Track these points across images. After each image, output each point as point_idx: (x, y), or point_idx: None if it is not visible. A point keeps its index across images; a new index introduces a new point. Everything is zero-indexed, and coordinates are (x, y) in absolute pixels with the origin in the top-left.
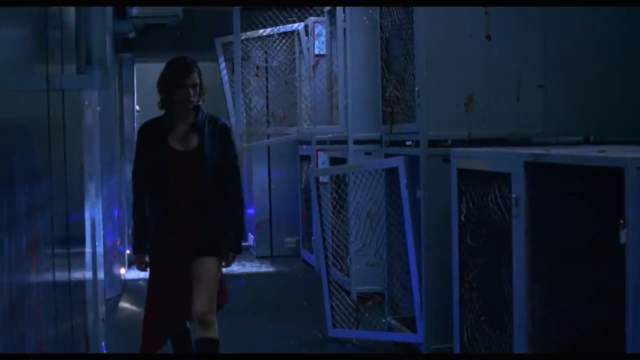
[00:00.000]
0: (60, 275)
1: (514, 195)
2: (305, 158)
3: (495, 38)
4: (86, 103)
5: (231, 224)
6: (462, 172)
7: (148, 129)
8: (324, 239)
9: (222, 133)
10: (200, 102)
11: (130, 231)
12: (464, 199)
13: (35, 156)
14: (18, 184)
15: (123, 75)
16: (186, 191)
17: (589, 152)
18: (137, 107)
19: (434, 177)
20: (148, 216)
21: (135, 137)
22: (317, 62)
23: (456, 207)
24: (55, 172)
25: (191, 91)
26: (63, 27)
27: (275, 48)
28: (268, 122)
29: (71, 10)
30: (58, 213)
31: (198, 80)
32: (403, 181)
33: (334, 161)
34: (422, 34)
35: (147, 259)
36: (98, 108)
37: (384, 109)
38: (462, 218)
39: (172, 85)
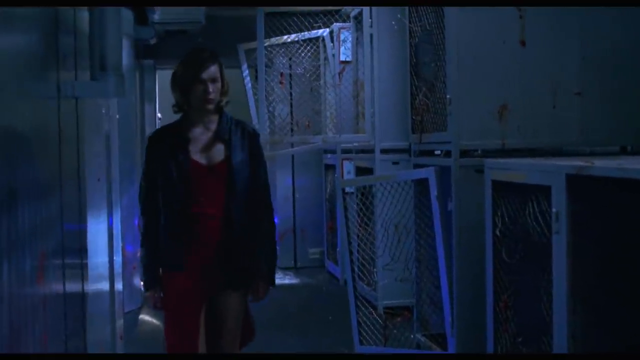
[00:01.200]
0: (72, 288)
1: (554, 210)
2: (330, 167)
3: (530, 43)
4: (104, 111)
5: (263, 252)
6: (496, 184)
7: (160, 137)
8: (351, 253)
9: (252, 142)
10: (223, 103)
11: (139, 261)
12: (498, 213)
13: (45, 168)
14: (23, 198)
15: (144, 82)
16: (211, 216)
17: (635, 164)
18: (159, 115)
19: (466, 189)
20: (162, 246)
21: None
22: (343, 69)
23: (490, 220)
24: (68, 184)
25: (210, 87)
26: (76, 32)
27: (300, 55)
28: (292, 130)
29: (84, 14)
30: (70, 225)
31: (219, 75)
32: (434, 193)
33: (359, 170)
34: (453, 40)
35: (161, 294)
36: (117, 116)
37: (413, 117)
38: (497, 232)
39: (187, 80)
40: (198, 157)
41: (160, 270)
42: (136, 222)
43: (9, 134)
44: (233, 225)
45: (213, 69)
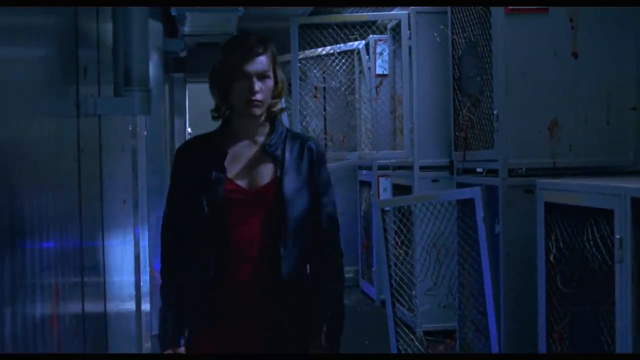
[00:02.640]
0: (93, 307)
1: (617, 236)
2: (365, 183)
3: (582, 55)
4: (130, 127)
5: (326, 309)
6: (549, 206)
7: (190, 150)
8: (391, 276)
9: (313, 161)
10: (277, 108)
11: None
12: (552, 237)
13: (62, 192)
14: (36, 224)
15: (174, 96)
16: (252, 258)
17: None
18: (189, 130)
19: (514, 210)
20: (186, 296)
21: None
22: (380, 83)
23: (543, 246)
24: (88, 207)
25: (257, 85)
26: (99, 45)
27: (334, 68)
28: (326, 145)
29: (108, 26)
30: (91, 246)
31: (270, 68)
32: (480, 214)
33: (396, 188)
34: (500, 52)
35: (183, 350)
36: (145, 132)
37: (457, 133)
38: (551, 259)
39: (226, 75)
40: (238, 177)
41: (185, 328)
42: (157, 266)
43: (21, 155)
44: (280, 278)
45: (262, 61)
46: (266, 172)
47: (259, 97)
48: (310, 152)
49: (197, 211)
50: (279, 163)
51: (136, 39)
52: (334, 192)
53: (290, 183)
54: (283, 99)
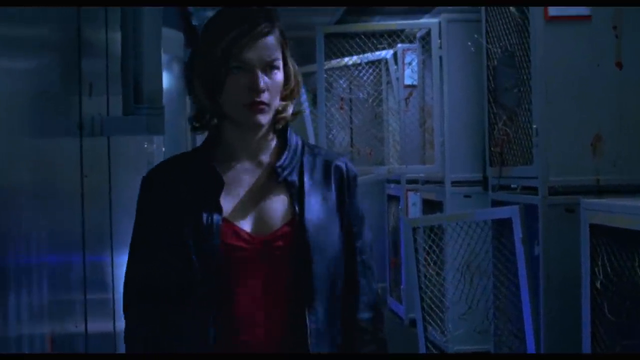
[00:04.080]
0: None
1: None
2: (393, 198)
3: (627, 65)
4: (145, 145)
5: None
6: (595, 228)
7: (168, 180)
8: (422, 299)
9: (343, 187)
10: (288, 113)
11: None
12: (599, 262)
13: (62, 222)
14: (31, 259)
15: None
16: (263, 334)
17: None
18: None
19: (555, 231)
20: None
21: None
22: (410, 94)
23: (588, 271)
24: (93, 237)
25: (262, 81)
26: (108, 56)
27: (361, 78)
28: (352, 159)
29: (117, 35)
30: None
31: (279, 55)
32: (518, 235)
33: (426, 203)
34: (540, 62)
35: None
36: (163, 149)
37: (492, 148)
38: (597, 285)
39: (215, 66)
40: (239, 218)
41: None
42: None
43: (17, 183)
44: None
45: (268, 44)
46: (279, 208)
47: (265, 97)
48: (339, 174)
49: (180, 270)
50: (296, 193)
51: (147, 52)
52: (368, 226)
53: (314, 222)
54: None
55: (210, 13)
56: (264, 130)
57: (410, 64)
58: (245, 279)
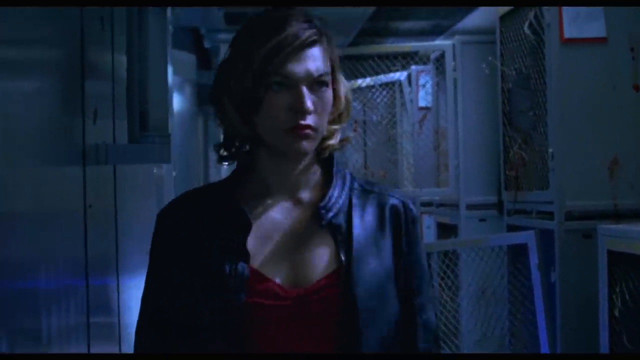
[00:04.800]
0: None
1: None
2: None
3: None
4: (155, 170)
5: None
6: (613, 255)
7: (187, 218)
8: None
9: (401, 233)
10: (335, 141)
11: None
12: (617, 289)
13: (64, 255)
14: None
15: (209, 128)
16: None
17: None
18: (225, 163)
19: (572, 257)
20: None
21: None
22: (424, 116)
23: (606, 298)
24: (97, 269)
25: (308, 100)
26: (115, 79)
27: (375, 100)
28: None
29: (122, 58)
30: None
31: (328, 69)
32: (534, 261)
33: (441, 227)
34: (555, 85)
35: None
36: (173, 173)
37: (507, 172)
38: (616, 313)
39: (250, 82)
40: (270, 268)
41: None
42: None
43: (17, 212)
44: None
45: (316, 55)
46: (321, 257)
47: (311, 120)
48: (396, 216)
49: (196, 325)
50: (343, 239)
51: (153, 80)
52: (429, 279)
53: (365, 274)
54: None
55: (223, 35)
56: (306, 160)
57: (424, 86)
58: (274, 342)
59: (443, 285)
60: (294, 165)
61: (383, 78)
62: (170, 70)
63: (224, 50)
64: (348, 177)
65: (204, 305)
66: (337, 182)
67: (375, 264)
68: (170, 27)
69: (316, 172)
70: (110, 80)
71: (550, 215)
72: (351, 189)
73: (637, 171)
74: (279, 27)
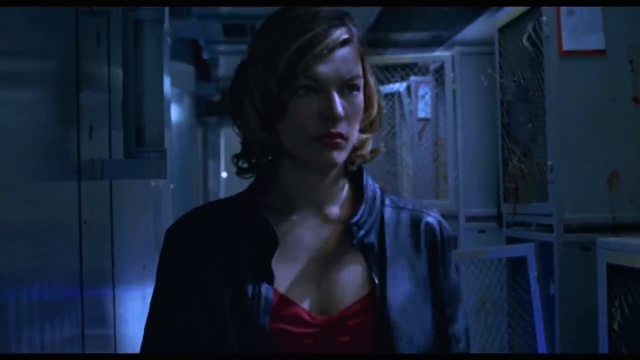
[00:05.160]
0: None
1: None
2: None
3: None
4: (152, 183)
5: None
6: (612, 268)
7: (198, 236)
8: None
9: (437, 252)
10: (365, 151)
11: None
12: (616, 303)
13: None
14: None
15: (207, 138)
16: None
17: None
18: (223, 174)
19: (571, 270)
20: None
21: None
22: (423, 127)
23: (605, 312)
24: (92, 285)
25: (338, 105)
26: (111, 95)
27: None
28: None
29: (119, 71)
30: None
31: (360, 72)
32: (533, 274)
33: None
34: (554, 97)
35: None
36: (171, 185)
37: (507, 184)
38: (615, 327)
39: (274, 85)
40: (297, 292)
41: None
42: None
43: (8, 231)
44: None
45: (347, 56)
46: (352, 280)
47: (342, 128)
48: (432, 235)
49: (213, 351)
50: (375, 260)
51: (149, 95)
52: (463, 305)
53: (400, 299)
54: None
55: (221, 47)
56: (334, 172)
57: (423, 97)
58: None
59: None
60: (321, 177)
61: (382, 89)
62: (168, 81)
63: (222, 62)
64: (378, 192)
65: (221, 331)
66: (367, 197)
67: (410, 287)
68: (168, 39)
69: (344, 186)
70: (107, 94)
71: (549, 228)
72: (382, 205)
73: (637, 184)
74: (307, 25)
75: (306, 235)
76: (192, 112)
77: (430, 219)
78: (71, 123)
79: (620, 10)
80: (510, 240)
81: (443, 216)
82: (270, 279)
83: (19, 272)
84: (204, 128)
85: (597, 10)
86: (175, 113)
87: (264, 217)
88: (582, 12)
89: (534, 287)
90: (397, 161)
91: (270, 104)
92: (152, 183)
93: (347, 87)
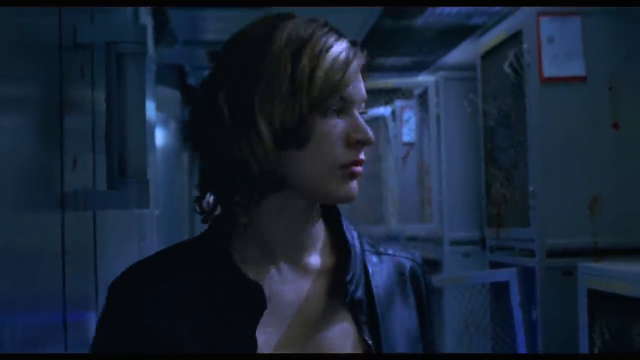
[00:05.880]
0: None
1: None
2: None
3: (624, 126)
4: (137, 211)
5: None
6: (594, 294)
7: (158, 298)
8: None
9: (422, 300)
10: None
11: None
12: (596, 329)
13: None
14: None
15: (194, 163)
16: None
17: None
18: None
19: (553, 295)
20: None
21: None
22: (407, 153)
23: (586, 337)
24: (74, 314)
25: (367, 129)
26: (94, 126)
27: None
28: (352, 216)
29: (102, 94)
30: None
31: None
32: (515, 299)
33: (426, 263)
34: (536, 123)
35: None
36: (156, 211)
37: (490, 209)
38: (596, 352)
39: (306, 103)
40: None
41: None
42: None
43: None
44: None
45: (361, 71)
46: (342, 342)
47: (363, 155)
48: (418, 284)
49: None
50: (365, 318)
51: (131, 126)
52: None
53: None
54: None
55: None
56: (314, 212)
57: (407, 121)
58: None
59: None
60: (305, 219)
61: (368, 113)
62: (153, 107)
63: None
64: (356, 235)
65: None
66: (353, 245)
67: (404, 344)
68: (153, 67)
69: (322, 230)
70: (90, 126)
71: (531, 253)
72: (363, 251)
73: (618, 209)
74: (331, 40)
75: (286, 291)
76: (178, 137)
77: (414, 266)
78: (55, 154)
79: (601, 37)
80: (494, 265)
81: (428, 240)
82: (254, 347)
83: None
84: (189, 152)
85: (577, 37)
86: (161, 138)
87: (245, 273)
88: (563, 39)
89: (517, 312)
90: (382, 185)
91: (294, 127)
92: (137, 211)
93: (360, 108)
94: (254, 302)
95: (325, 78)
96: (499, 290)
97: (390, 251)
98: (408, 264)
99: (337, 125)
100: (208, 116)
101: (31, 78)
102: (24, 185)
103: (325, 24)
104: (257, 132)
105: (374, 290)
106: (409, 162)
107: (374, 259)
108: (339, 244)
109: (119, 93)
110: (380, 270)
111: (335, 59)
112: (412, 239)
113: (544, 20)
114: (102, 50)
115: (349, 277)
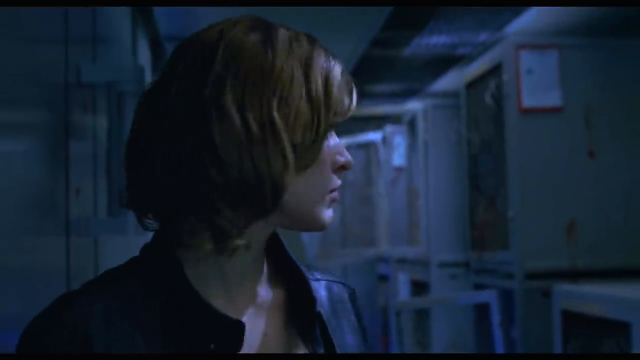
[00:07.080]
0: None
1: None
2: (384, 277)
3: (600, 154)
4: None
5: None
6: (567, 315)
7: (106, 334)
8: None
9: (361, 320)
10: None
11: None
12: (569, 347)
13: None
14: None
15: None
16: None
17: None
18: None
19: (532, 316)
20: None
21: None
22: (395, 177)
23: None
24: None
25: (348, 155)
26: (97, 157)
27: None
28: (344, 238)
29: (103, 122)
30: None
31: None
32: (495, 320)
33: (414, 284)
34: (515, 152)
35: None
36: None
37: (473, 233)
38: None
39: (317, 121)
40: None
41: None
42: None
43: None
44: None
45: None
46: None
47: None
48: (355, 306)
49: None
50: (324, 350)
51: None
52: None
53: None
54: None
55: None
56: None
57: (397, 146)
58: None
59: (414, 340)
60: (262, 247)
61: (359, 139)
62: None
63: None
64: (292, 261)
65: None
66: (303, 271)
67: None
68: None
69: (260, 259)
70: (93, 159)
71: (511, 275)
72: (312, 278)
73: (594, 233)
74: (326, 53)
75: (248, 326)
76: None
77: (348, 290)
78: (60, 184)
79: (577, 69)
80: (478, 287)
81: (416, 262)
82: None
83: (5, 326)
84: None
85: (554, 69)
86: None
87: (216, 308)
88: (541, 71)
89: (497, 333)
90: (374, 208)
91: (310, 146)
92: (135, 236)
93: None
94: (230, 341)
95: (338, 95)
96: (482, 311)
97: (324, 276)
98: (343, 290)
99: (332, 145)
100: (210, 123)
101: (39, 113)
102: (34, 213)
103: (309, 39)
104: (281, 149)
105: (325, 320)
106: (399, 186)
107: (315, 285)
108: (277, 271)
109: (119, 129)
110: (323, 298)
111: (341, 73)
112: (401, 260)
113: (523, 53)
114: (104, 90)
115: (319, 310)
